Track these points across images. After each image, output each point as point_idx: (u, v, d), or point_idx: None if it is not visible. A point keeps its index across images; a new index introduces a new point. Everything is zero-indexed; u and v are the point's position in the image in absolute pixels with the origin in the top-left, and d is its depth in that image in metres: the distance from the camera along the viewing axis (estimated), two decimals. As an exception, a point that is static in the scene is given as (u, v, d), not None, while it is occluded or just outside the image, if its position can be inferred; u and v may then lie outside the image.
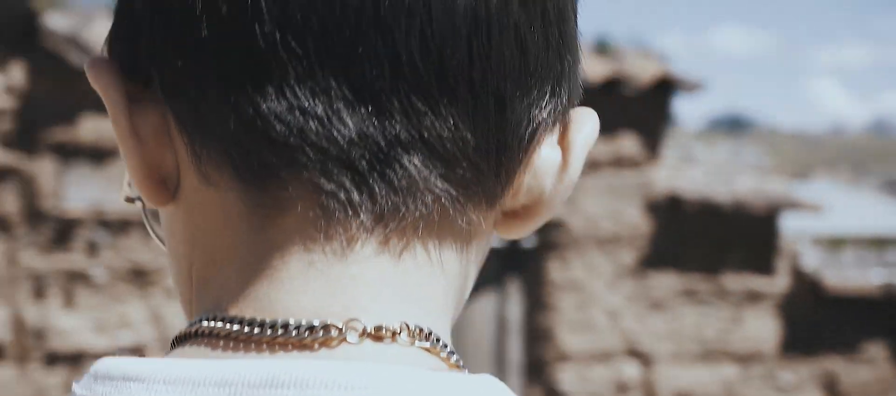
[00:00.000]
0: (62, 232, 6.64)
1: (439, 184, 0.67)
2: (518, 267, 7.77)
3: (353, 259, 0.67)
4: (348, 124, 0.65)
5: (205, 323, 0.66)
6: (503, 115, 0.68)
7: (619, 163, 7.81)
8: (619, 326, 7.92)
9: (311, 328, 0.65)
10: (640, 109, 7.77)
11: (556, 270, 7.76)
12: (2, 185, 6.49)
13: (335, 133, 0.65)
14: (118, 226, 6.42)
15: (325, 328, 0.65)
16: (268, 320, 0.65)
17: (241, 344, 0.65)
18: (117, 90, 0.70)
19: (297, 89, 0.64)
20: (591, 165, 7.62)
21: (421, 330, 0.67)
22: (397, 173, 0.66)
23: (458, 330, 7.67)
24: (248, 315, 0.66)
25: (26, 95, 6.45)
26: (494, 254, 7.71)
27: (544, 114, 0.70)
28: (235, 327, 0.65)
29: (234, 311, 0.66)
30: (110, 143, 6.28)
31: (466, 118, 0.67)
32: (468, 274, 0.73)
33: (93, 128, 6.46)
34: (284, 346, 0.65)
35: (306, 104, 0.65)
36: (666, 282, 7.99)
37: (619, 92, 7.58)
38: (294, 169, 0.65)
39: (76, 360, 6.42)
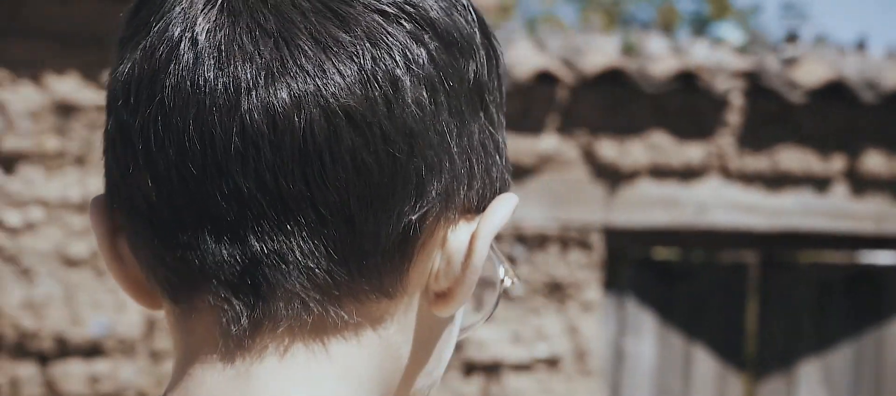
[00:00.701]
0: (483, 247, 6.96)
1: (301, 292, 0.78)
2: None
3: (244, 360, 0.79)
4: (215, 251, 0.77)
5: None
6: (353, 228, 0.77)
7: None
8: None
9: None
10: None
11: None
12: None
13: (208, 259, 0.78)
14: (535, 242, 6.64)
15: None
16: None
17: None
18: (101, 223, 0.85)
19: (173, 228, 0.78)
20: None
21: None
22: (262, 286, 0.78)
23: (878, 350, 7.40)
24: None
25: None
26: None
27: (414, 217, 0.78)
28: None
29: None
30: (523, 163, 6.55)
31: (316, 234, 0.77)
32: (386, 355, 0.82)
33: (513, 149, 6.76)
34: None
35: (183, 239, 0.78)
36: None
37: None
38: (191, 288, 0.80)
39: (493, 370, 6.67)
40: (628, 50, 6.61)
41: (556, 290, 6.69)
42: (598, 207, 6.63)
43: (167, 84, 0.77)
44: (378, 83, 0.77)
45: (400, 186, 0.78)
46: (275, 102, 0.76)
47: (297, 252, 0.77)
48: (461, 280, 0.82)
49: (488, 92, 0.84)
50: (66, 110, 5.70)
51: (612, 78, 6.39)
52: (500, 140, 0.85)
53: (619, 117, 6.59)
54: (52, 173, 5.74)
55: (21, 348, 5.74)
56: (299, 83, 0.76)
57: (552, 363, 6.63)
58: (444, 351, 0.89)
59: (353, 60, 0.77)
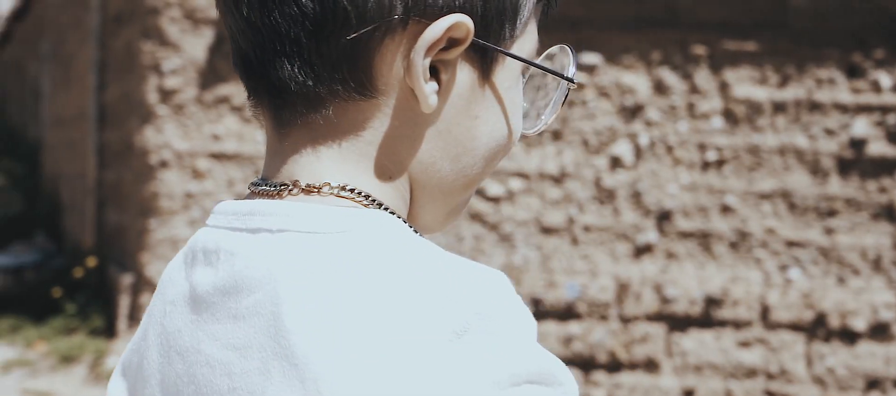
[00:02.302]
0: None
1: (295, 102, 1.04)
2: None
3: (285, 146, 1.07)
4: (248, 76, 1.06)
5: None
6: (308, 51, 1.01)
7: None
8: None
9: (273, 185, 1.06)
10: None
11: None
12: (889, 176, 6.69)
13: (248, 83, 1.07)
14: None
15: (285, 185, 1.05)
16: (260, 179, 1.09)
17: (254, 194, 1.08)
18: None
19: (234, 63, 1.08)
20: None
21: (344, 187, 1.04)
22: (275, 100, 1.05)
23: None
24: (259, 177, 1.10)
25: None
26: None
27: (349, 39, 1.00)
28: (254, 184, 1.10)
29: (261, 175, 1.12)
30: None
31: (288, 57, 1.02)
32: (381, 142, 1.05)
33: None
34: (263, 195, 1.07)
35: (239, 71, 1.08)
36: None
37: None
38: (255, 105, 1.09)
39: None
40: None
41: None
42: None
43: None
44: None
45: (330, 19, 1.00)
46: None
47: (281, 72, 1.03)
48: (413, 84, 1.02)
49: None
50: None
51: None
52: None
53: None
54: (529, 147, 6.22)
55: (502, 308, 6.40)
56: None
57: None
58: (466, 142, 1.09)
59: None
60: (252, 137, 6.90)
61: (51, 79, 14.43)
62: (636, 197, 6.56)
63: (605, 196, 6.55)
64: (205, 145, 6.91)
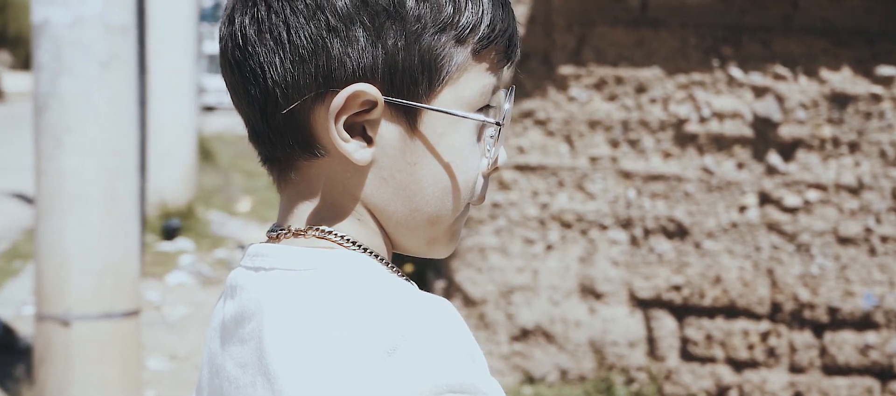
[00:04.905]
0: None
1: (275, 165, 1.24)
2: None
3: (284, 198, 1.25)
4: (258, 147, 1.24)
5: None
6: (258, 123, 1.20)
7: None
8: None
9: (277, 230, 1.24)
10: None
11: None
12: None
13: (257, 150, 1.25)
14: None
15: (283, 230, 1.23)
16: (273, 226, 1.27)
17: (269, 238, 1.26)
18: None
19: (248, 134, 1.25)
20: None
21: (322, 230, 1.21)
22: (270, 165, 1.24)
23: None
24: (274, 224, 1.27)
25: None
26: None
27: (284, 112, 1.18)
28: (268, 231, 1.27)
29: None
30: None
31: (254, 130, 1.22)
32: (339, 192, 1.22)
33: None
34: (269, 239, 1.25)
35: (252, 144, 1.25)
36: None
37: None
38: (262, 162, 1.26)
39: None
40: None
41: None
42: None
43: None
44: (238, 39, 1.20)
45: (267, 100, 1.17)
46: (227, 53, 1.21)
47: (257, 144, 1.24)
48: (335, 145, 1.18)
49: (334, 14, 1.15)
50: (839, 100, 6.18)
51: None
52: (359, 42, 1.15)
53: None
54: (826, 158, 6.23)
55: (798, 317, 6.30)
56: (230, 40, 1.21)
57: None
58: (411, 185, 1.22)
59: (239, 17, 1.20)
60: (556, 150, 7.16)
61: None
62: (937, 207, 6.46)
63: (905, 206, 6.50)
64: (510, 157, 7.16)
